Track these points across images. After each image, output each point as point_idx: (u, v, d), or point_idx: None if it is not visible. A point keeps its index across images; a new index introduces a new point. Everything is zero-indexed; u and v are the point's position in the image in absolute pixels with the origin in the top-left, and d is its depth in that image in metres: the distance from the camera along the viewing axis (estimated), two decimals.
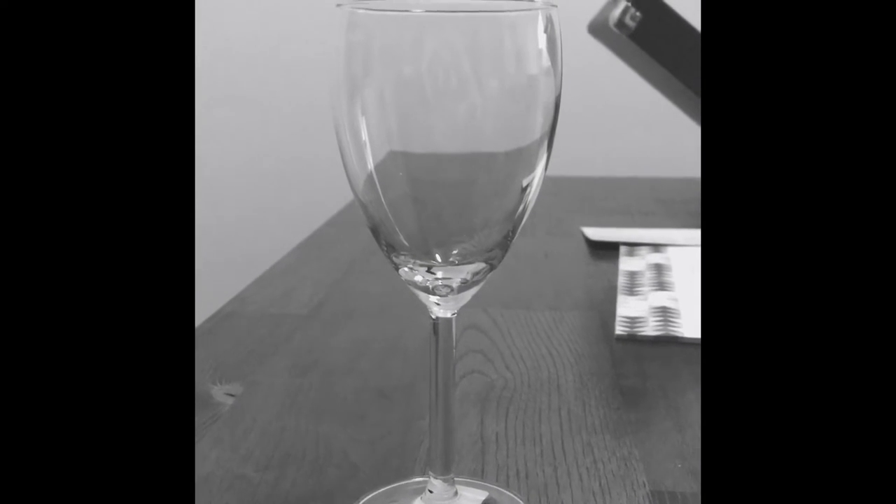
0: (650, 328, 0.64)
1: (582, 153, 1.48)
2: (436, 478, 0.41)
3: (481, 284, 0.39)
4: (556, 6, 0.36)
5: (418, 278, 0.39)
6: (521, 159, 0.37)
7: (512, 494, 0.43)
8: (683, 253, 0.84)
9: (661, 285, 0.74)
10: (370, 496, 0.43)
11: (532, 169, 0.37)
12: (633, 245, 0.87)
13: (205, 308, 0.72)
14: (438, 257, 0.38)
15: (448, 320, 0.40)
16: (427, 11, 0.35)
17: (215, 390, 0.55)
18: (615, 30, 0.91)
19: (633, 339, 0.63)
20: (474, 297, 0.40)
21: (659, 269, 0.79)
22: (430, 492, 0.41)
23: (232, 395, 0.54)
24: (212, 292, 0.94)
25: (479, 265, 0.39)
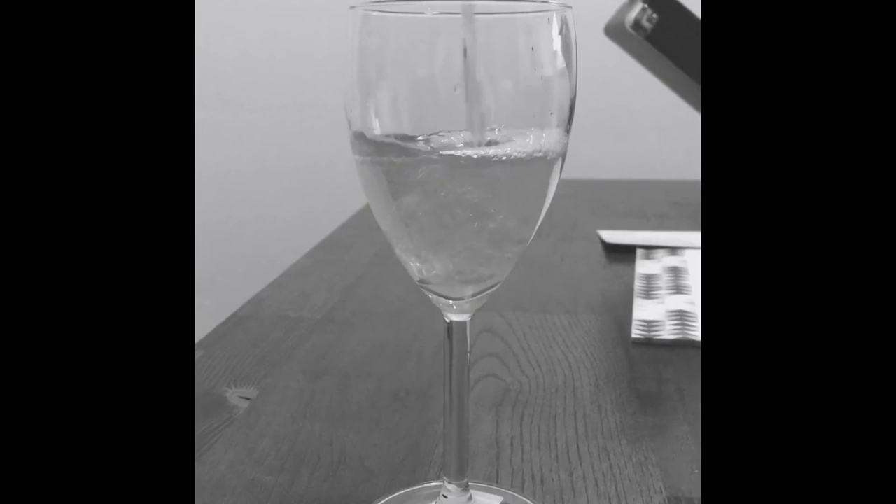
0: (667, 332, 0.64)
1: (598, 155, 1.48)
2: (450, 482, 0.41)
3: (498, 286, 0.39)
4: (570, 7, 0.36)
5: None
6: (535, 162, 0.36)
7: (527, 499, 0.43)
8: (700, 256, 0.83)
9: (678, 288, 0.73)
10: (384, 500, 0.43)
11: (547, 172, 0.37)
12: (649, 248, 0.87)
13: (220, 311, 0.72)
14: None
15: (462, 324, 0.40)
16: (441, 13, 0.34)
17: (230, 393, 0.55)
18: (631, 31, 0.91)
19: (649, 343, 0.63)
20: (490, 300, 0.40)
21: (675, 272, 0.78)
22: (445, 496, 0.41)
23: (246, 399, 0.54)
24: (227, 295, 0.95)
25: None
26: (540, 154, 0.36)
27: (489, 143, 0.35)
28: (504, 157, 0.35)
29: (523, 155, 0.35)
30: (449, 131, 0.35)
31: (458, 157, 0.35)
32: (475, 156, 0.35)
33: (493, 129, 0.35)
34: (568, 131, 0.37)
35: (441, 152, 0.35)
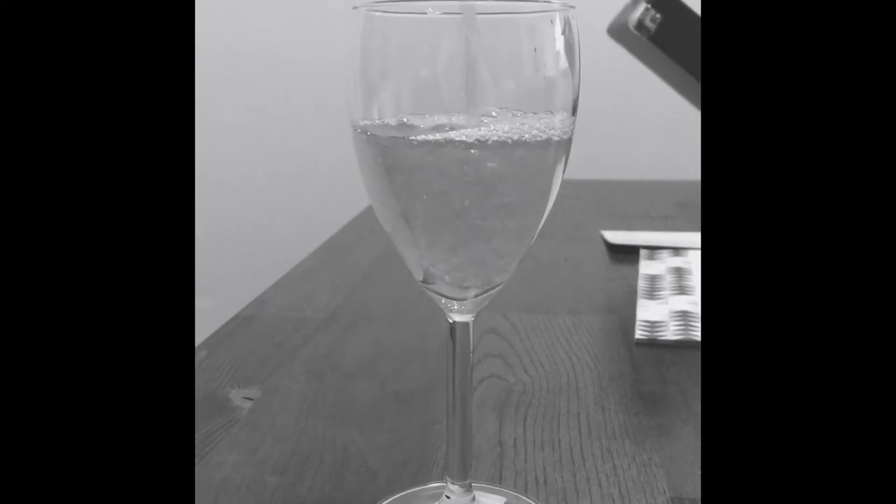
0: (670, 332, 0.64)
1: (601, 156, 1.48)
2: (453, 483, 0.41)
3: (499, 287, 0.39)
4: (573, 7, 0.36)
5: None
6: (539, 146, 0.36)
7: (530, 500, 0.43)
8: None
9: (682, 289, 0.73)
10: (387, 501, 0.43)
11: (551, 157, 0.37)
12: (653, 249, 0.87)
13: (223, 312, 0.72)
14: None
15: (465, 324, 0.40)
16: (444, 14, 0.34)
17: (233, 394, 0.55)
18: (635, 32, 0.91)
19: (653, 344, 0.63)
20: (493, 301, 0.40)
21: (679, 272, 0.78)
22: (448, 497, 0.41)
23: (250, 399, 0.54)
24: (230, 296, 0.95)
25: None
26: (543, 137, 0.35)
27: (489, 127, 0.35)
28: (507, 140, 0.35)
29: (526, 137, 0.35)
30: (450, 115, 0.35)
31: (458, 141, 0.34)
32: (473, 139, 0.34)
33: (497, 114, 0.35)
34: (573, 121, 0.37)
35: (439, 136, 0.34)
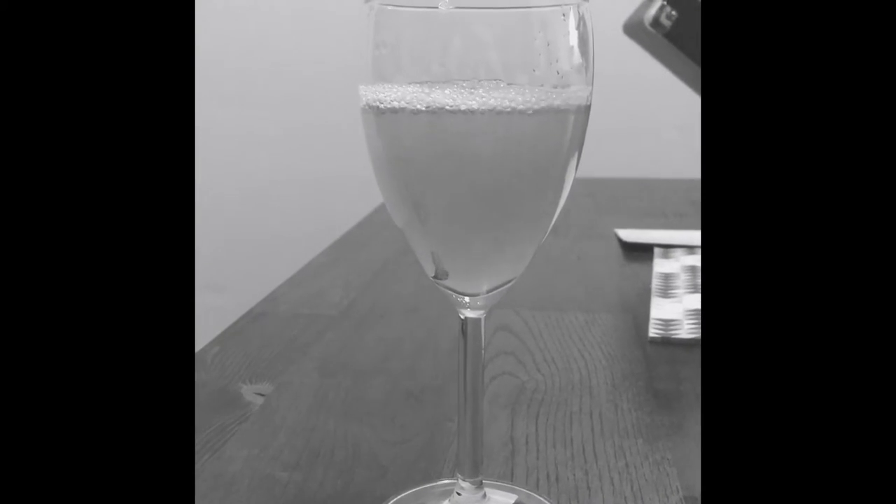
0: (684, 331, 0.63)
1: (616, 154, 1.47)
2: (464, 480, 0.41)
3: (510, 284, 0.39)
4: (587, 1, 0.36)
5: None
6: (551, 114, 0.35)
7: (541, 498, 0.43)
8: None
9: (696, 288, 0.73)
10: (398, 498, 0.43)
11: (563, 170, 0.37)
12: (667, 247, 0.86)
13: (236, 308, 0.72)
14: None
15: (477, 320, 0.39)
16: (457, 8, 0.34)
17: (245, 389, 0.55)
18: (650, 29, 0.91)
19: (666, 342, 0.62)
20: (506, 298, 0.40)
21: (693, 271, 0.78)
22: (459, 494, 0.41)
23: (262, 395, 0.54)
24: (243, 293, 0.95)
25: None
26: (557, 105, 0.34)
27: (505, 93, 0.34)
28: (519, 108, 0.34)
29: (539, 105, 0.34)
30: (464, 84, 0.34)
31: (469, 111, 0.34)
32: (484, 107, 0.34)
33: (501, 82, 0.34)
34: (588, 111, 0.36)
35: (448, 106, 0.34)
